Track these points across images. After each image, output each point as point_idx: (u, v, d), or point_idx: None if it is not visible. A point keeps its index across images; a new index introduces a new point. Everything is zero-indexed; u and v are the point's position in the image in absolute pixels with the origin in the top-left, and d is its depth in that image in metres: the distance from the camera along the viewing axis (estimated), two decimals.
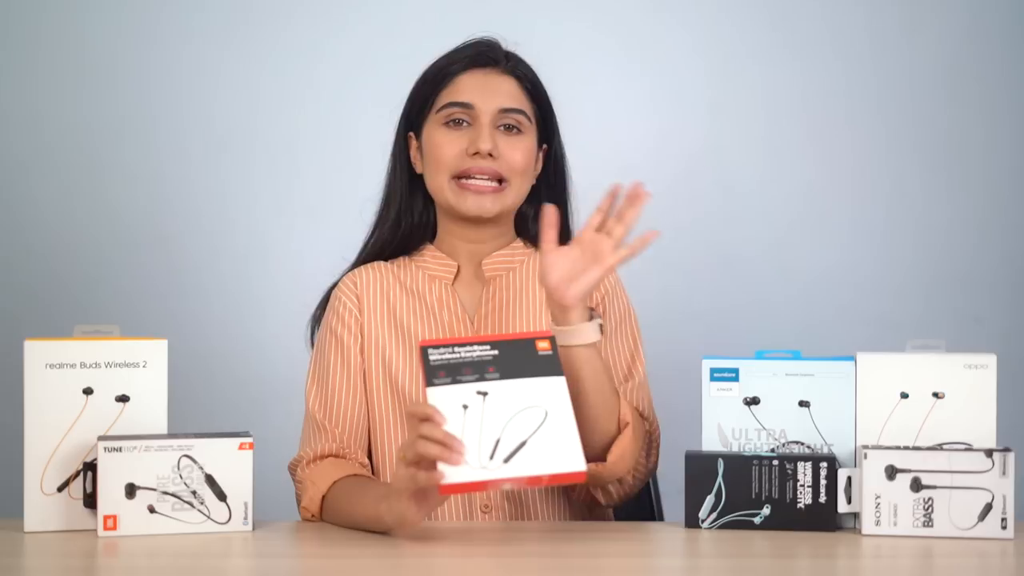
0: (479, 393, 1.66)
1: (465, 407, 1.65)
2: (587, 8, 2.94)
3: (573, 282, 1.75)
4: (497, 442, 1.64)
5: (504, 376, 1.67)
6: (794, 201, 2.95)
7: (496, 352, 1.68)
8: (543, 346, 1.70)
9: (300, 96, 2.92)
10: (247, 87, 2.91)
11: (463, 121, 1.96)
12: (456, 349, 1.68)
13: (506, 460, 1.63)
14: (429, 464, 1.63)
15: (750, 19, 2.95)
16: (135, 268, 2.87)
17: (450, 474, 1.61)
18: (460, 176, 1.95)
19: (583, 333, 1.77)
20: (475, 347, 1.69)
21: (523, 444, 1.64)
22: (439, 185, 1.97)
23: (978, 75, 2.96)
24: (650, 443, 1.95)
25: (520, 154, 1.96)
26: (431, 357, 1.68)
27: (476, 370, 1.67)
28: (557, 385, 1.68)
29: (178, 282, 2.88)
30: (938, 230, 2.96)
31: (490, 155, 1.93)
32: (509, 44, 2.03)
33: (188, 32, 2.90)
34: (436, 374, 1.67)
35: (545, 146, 2.03)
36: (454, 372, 1.67)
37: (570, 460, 1.64)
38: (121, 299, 2.86)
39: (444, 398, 1.66)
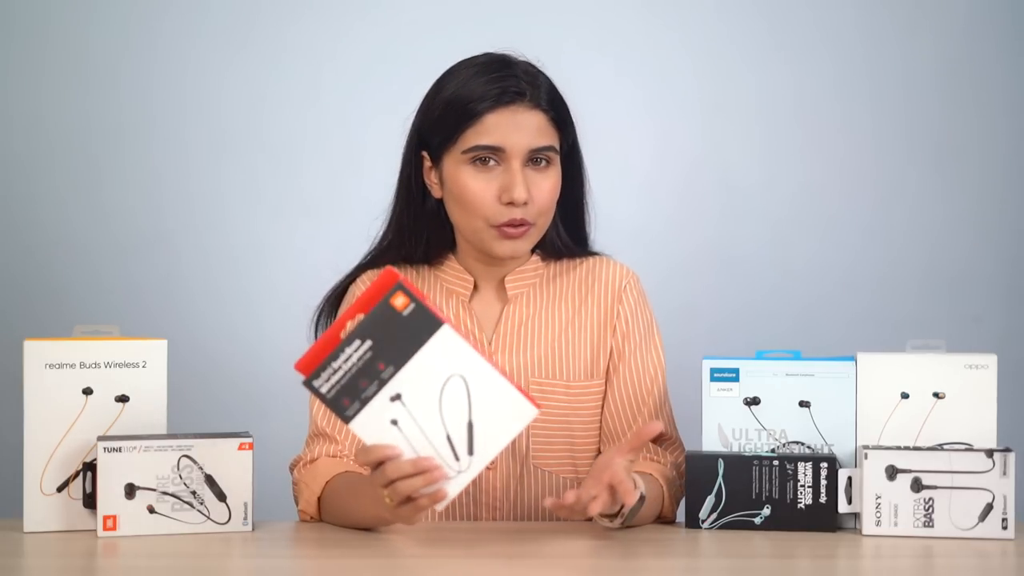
0: (392, 399, 1.60)
1: (394, 422, 1.60)
2: (587, 13, 2.94)
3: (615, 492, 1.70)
4: (449, 439, 1.61)
5: (397, 365, 1.59)
6: (794, 201, 2.96)
7: (370, 342, 1.59)
8: (401, 303, 1.59)
9: (302, 98, 2.92)
10: (249, 89, 2.91)
11: (491, 160, 1.88)
12: (333, 364, 1.59)
13: (471, 451, 1.61)
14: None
15: (747, 23, 2.96)
16: (135, 268, 2.87)
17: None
18: (498, 226, 1.89)
19: (638, 516, 1.77)
20: (347, 350, 1.59)
21: (471, 426, 1.61)
22: (473, 228, 1.90)
23: (974, 75, 2.96)
24: (680, 476, 1.93)
25: (548, 193, 1.90)
26: (323, 390, 1.59)
27: (368, 375, 1.59)
28: (446, 339, 1.59)
29: (178, 282, 2.88)
30: (937, 230, 2.96)
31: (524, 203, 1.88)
32: (525, 56, 1.94)
33: (191, 34, 2.89)
34: (341, 404, 1.60)
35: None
36: (352, 391, 1.59)
37: (521, 411, 1.61)
38: (121, 299, 2.86)
39: (370, 426, 1.60)
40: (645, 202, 2.94)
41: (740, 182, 2.96)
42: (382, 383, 1.60)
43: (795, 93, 2.96)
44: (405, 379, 1.60)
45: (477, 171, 1.89)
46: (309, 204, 2.91)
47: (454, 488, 1.61)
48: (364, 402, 1.60)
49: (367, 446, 1.62)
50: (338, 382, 1.60)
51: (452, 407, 1.61)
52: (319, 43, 2.91)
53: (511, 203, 1.87)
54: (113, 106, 2.88)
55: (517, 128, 1.88)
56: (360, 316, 1.60)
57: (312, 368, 1.60)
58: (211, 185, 2.90)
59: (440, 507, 1.62)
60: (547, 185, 1.90)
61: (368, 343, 1.59)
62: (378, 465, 1.62)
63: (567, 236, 2.00)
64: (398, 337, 1.59)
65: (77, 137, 2.88)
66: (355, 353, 1.59)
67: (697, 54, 2.95)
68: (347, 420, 1.60)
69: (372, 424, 1.60)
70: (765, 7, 2.96)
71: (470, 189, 1.89)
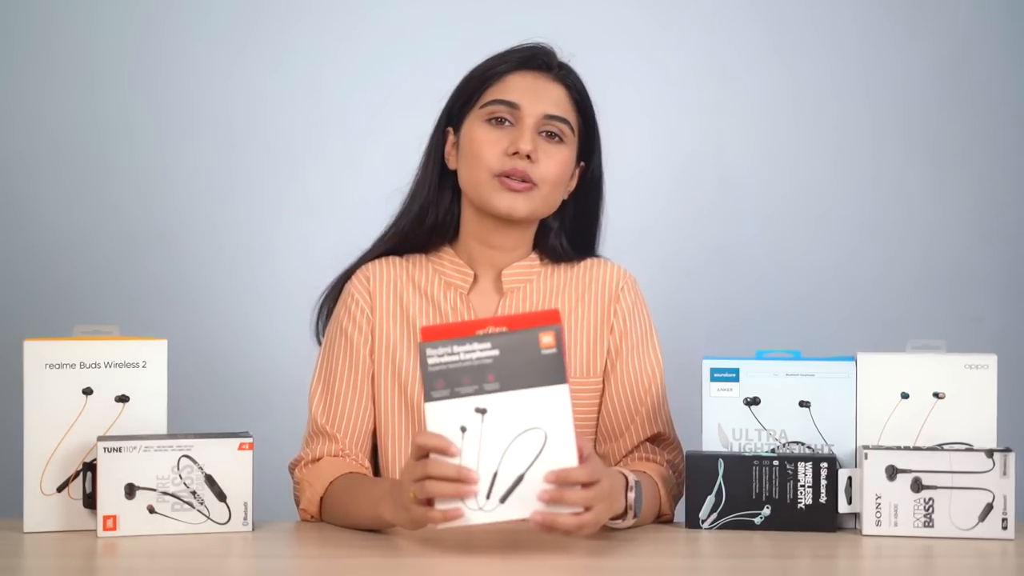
0: (477, 411, 1.61)
1: (464, 429, 1.60)
2: (587, 13, 2.94)
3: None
4: (494, 476, 1.60)
5: (504, 386, 1.61)
6: (794, 201, 2.96)
7: (496, 352, 1.61)
8: (547, 342, 1.61)
9: (305, 97, 2.92)
10: (251, 89, 2.91)
11: (506, 120, 1.92)
12: (455, 348, 1.61)
13: (503, 499, 1.60)
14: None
15: (746, 23, 2.96)
16: (135, 268, 2.88)
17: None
18: (500, 175, 1.90)
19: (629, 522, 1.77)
20: (474, 344, 1.61)
21: (520, 479, 1.60)
22: (476, 180, 1.92)
23: (973, 75, 2.96)
24: (677, 475, 1.94)
25: (556, 164, 1.92)
26: (430, 361, 1.61)
27: (475, 378, 1.60)
28: (559, 396, 1.60)
29: (178, 282, 2.88)
30: (937, 230, 2.96)
31: (528, 157, 1.89)
32: (564, 55, 1.99)
33: (193, 34, 2.90)
34: (434, 384, 1.61)
35: (583, 163, 1.99)
36: (452, 381, 1.61)
37: None
38: (121, 299, 2.86)
39: (443, 417, 1.61)
40: (644, 201, 2.94)
41: (738, 181, 2.96)
42: (480, 391, 1.61)
43: (793, 93, 2.96)
44: (500, 402, 1.61)
45: (491, 128, 1.92)
46: (311, 204, 2.91)
47: (468, 518, 1.61)
48: (454, 395, 1.61)
49: (431, 431, 1.61)
50: (446, 364, 1.61)
51: (518, 453, 1.61)
52: (321, 43, 2.91)
53: (515, 154, 1.89)
54: (115, 106, 2.88)
55: (535, 91, 1.93)
56: (504, 329, 1.62)
57: (435, 338, 1.61)
58: (212, 185, 2.90)
59: (443, 526, 1.61)
60: (558, 156, 1.92)
61: (495, 353, 1.61)
62: (423, 456, 1.61)
63: (568, 245, 2.01)
64: (522, 366, 1.61)
65: (79, 137, 2.88)
66: (478, 352, 1.61)
67: (696, 54, 2.96)
68: (428, 400, 1.61)
69: (445, 417, 1.61)
70: (763, 7, 2.96)
71: (479, 140, 1.92)
